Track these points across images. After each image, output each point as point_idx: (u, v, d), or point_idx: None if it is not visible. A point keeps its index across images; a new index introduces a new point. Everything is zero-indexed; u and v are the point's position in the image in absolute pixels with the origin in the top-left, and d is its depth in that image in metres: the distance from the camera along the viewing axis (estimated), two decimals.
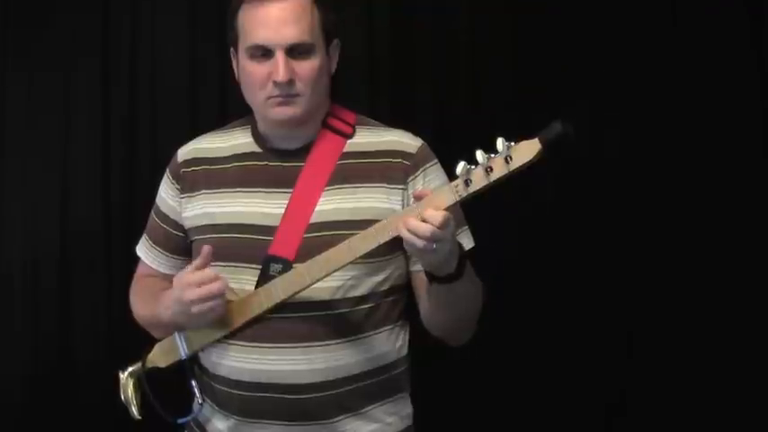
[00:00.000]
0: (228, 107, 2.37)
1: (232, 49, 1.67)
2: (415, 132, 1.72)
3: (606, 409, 2.46)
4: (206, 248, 1.56)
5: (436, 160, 1.69)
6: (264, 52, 1.58)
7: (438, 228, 1.40)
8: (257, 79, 1.60)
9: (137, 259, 1.84)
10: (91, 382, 2.42)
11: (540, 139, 1.37)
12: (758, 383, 2.40)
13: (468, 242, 1.67)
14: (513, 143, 1.38)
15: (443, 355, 1.86)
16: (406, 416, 1.72)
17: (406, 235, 1.42)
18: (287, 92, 1.59)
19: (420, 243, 1.41)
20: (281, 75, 1.56)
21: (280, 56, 1.57)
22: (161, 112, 2.48)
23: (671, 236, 2.43)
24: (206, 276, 1.54)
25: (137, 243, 1.84)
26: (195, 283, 1.54)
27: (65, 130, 2.49)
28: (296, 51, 1.58)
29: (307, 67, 1.59)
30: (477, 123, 2.39)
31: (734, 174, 2.42)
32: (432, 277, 1.52)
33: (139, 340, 1.75)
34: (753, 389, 2.40)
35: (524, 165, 1.38)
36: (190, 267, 1.58)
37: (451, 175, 1.44)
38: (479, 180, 1.41)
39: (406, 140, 1.68)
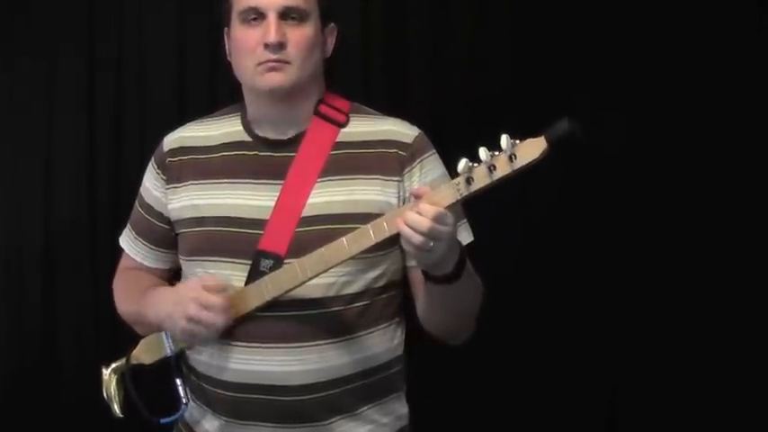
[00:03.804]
0: (218, 107, 2.33)
1: (226, 28, 1.62)
2: (412, 121, 1.65)
3: (608, 409, 2.43)
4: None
5: (434, 150, 1.63)
6: (257, 15, 1.54)
7: (435, 222, 1.34)
8: (248, 44, 1.55)
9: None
10: (76, 381, 2.37)
11: (546, 138, 1.30)
12: (758, 384, 2.38)
13: (467, 236, 1.62)
14: (517, 141, 1.32)
15: (440, 354, 1.80)
16: (401, 416, 1.67)
17: (403, 229, 1.36)
18: (277, 55, 1.53)
19: (417, 239, 1.35)
20: (272, 35, 1.52)
21: (272, 17, 1.53)
22: (148, 108, 2.43)
23: (673, 233, 2.38)
24: (216, 304, 1.48)
25: None
26: (203, 303, 1.48)
27: (49, 127, 2.44)
28: (289, 16, 1.54)
29: (299, 33, 1.55)
30: (475, 113, 2.30)
31: (738, 172, 2.37)
32: (428, 276, 1.46)
33: (126, 339, 1.68)
34: (753, 389, 2.38)
35: (529, 164, 1.31)
36: (207, 282, 1.50)
37: (450, 167, 1.38)
38: (482, 179, 1.34)
39: (402, 130, 1.62)
